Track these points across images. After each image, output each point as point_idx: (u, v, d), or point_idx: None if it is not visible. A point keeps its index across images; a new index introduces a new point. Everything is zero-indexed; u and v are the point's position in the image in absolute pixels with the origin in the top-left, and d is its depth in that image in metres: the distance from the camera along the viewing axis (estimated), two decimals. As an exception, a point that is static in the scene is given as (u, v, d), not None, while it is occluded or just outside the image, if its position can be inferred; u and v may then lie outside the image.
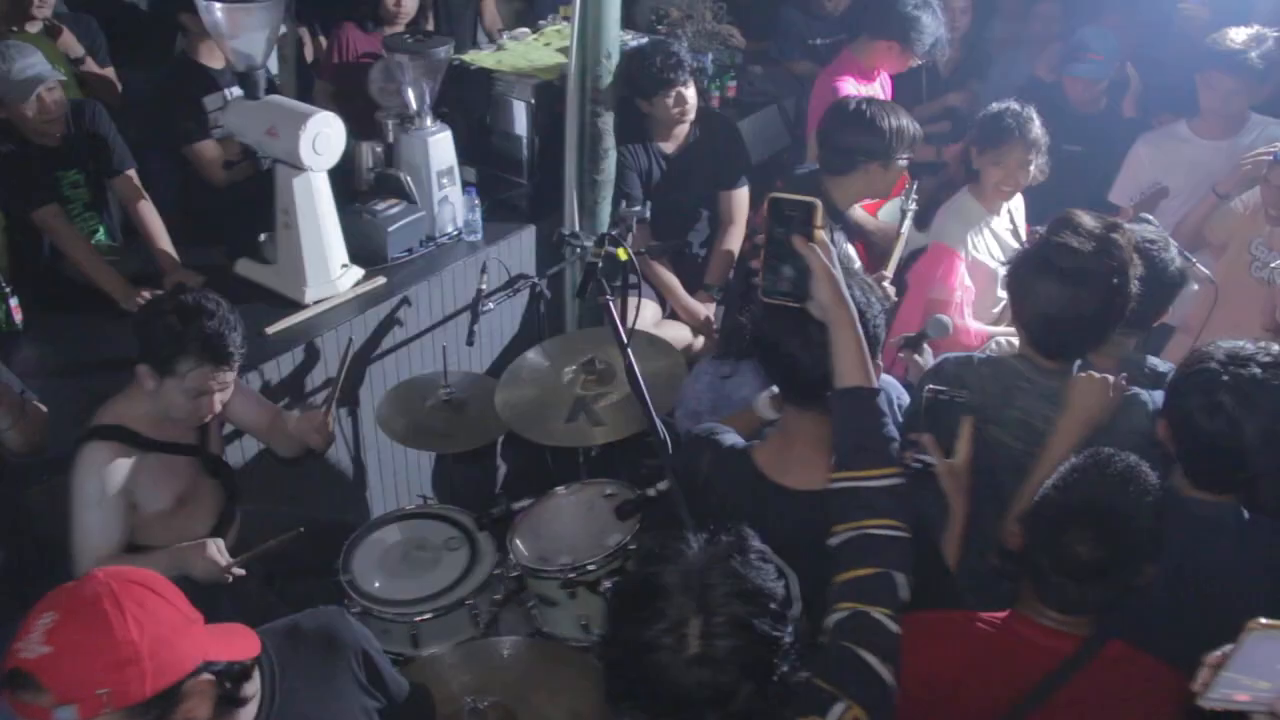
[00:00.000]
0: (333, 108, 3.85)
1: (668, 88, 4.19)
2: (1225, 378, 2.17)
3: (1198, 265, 3.38)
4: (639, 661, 1.51)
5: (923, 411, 2.50)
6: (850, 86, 4.37)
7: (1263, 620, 1.43)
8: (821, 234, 1.91)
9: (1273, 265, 3.47)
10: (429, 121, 4.11)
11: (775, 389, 2.47)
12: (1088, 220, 2.49)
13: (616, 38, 4.02)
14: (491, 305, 3.67)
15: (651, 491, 2.46)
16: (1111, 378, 2.48)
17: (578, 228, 4.24)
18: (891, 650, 1.72)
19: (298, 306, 3.71)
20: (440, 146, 4.11)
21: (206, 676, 1.67)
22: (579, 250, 4.05)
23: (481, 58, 4.67)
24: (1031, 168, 3.61)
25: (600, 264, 2.92)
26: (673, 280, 4.29)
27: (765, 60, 6.07)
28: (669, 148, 4.34)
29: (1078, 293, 2.43)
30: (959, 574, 2.44)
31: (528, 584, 3.10)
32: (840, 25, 5.84)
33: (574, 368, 3.34)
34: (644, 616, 1.51)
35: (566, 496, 3.18)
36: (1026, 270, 2.53)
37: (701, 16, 5.91)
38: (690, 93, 4.24)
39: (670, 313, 4.38)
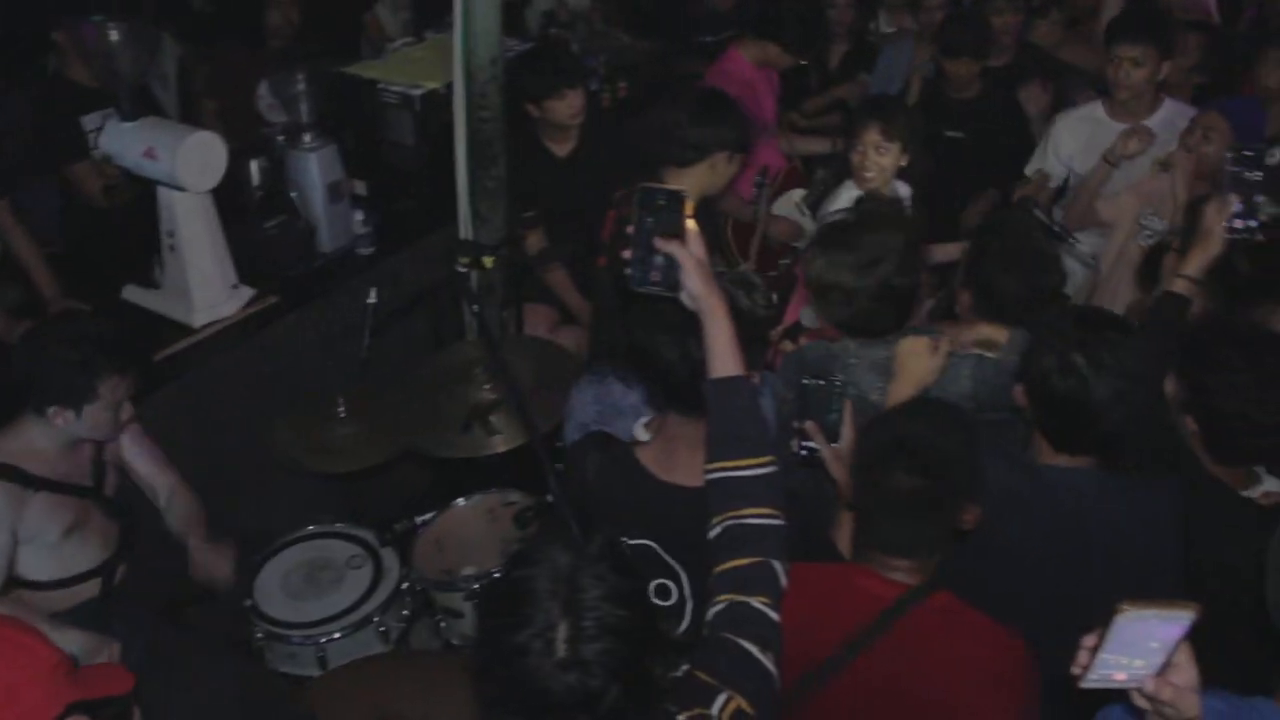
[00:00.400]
0: (218, 126, 3.79)
1: (556, 91, 4.19)
2: (1077, 338, 2.26)
3: (1078, 246, 3.48)
4: (508, 667, 1.50)
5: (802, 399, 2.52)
6: (734, 85, 4.42)
7: (1129, 603, 1.45)
8: (691, 223, 1.91)
9: (1156, 227, 3.58)
10: (315, 136, 4.05)
11: (646, 419, 2.48)
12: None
13: (499, 43, 3.99)
14: (383, 319, 3.62)
15: (549, 497, 2.47)
16: (936, 339, 2.60)
17: (472, 236, 4.20)
18: (773, 639, 1.73)
19: (187, 331, 3.64)
20: (327, 161, 4.05)
21: (76, 718, 1.63)
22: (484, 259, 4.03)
23: (367, 69, 4.61)
24: (887, 155, 3.58)
25: (469, 273, 2.90)
26: (567, 284, 4.28)
27: (656, 60, 6.09)
28: (561, 151, 4.33)
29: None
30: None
31: (433, 598, 3.08)
32: (729, 23, 5.89)
33: (469, 378, 3.32)
34: (512, 621, 1.51)
35: (468, 507, 3.17)
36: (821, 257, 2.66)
37: (590, 18, 5.94)
38: (579, 95, 4.24)
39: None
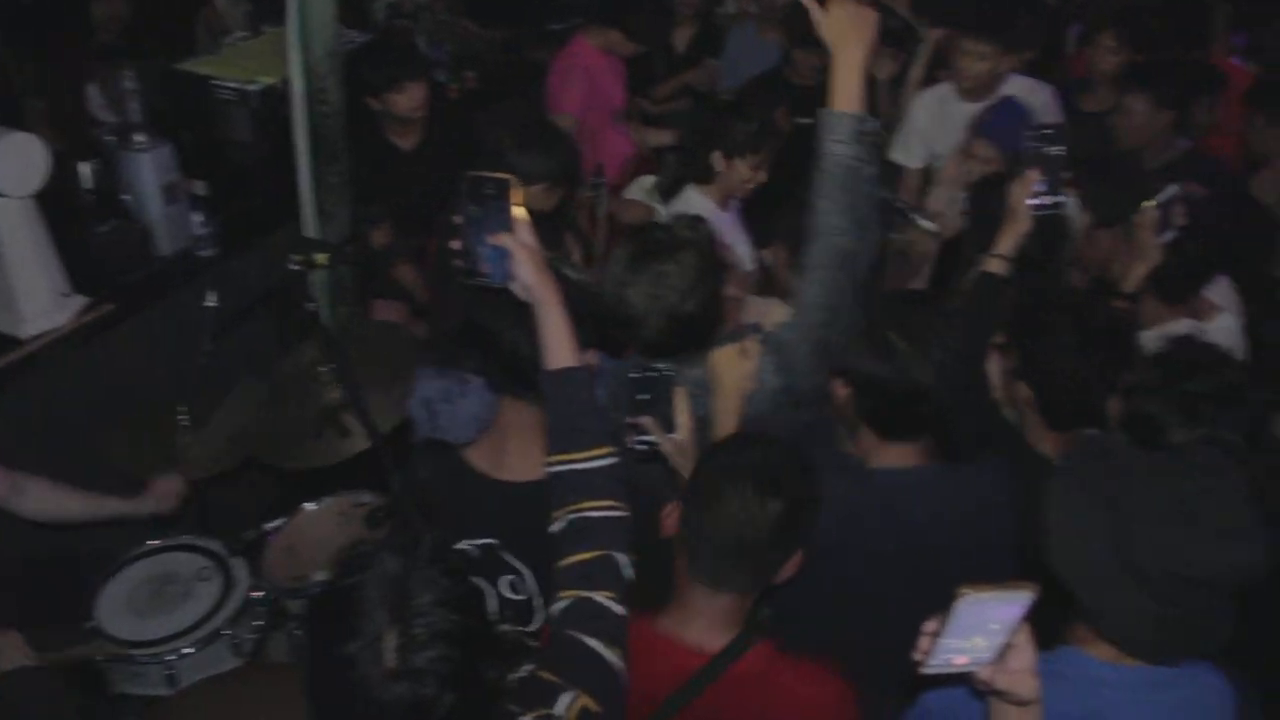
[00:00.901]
0: (46, 128, 3.63)
1: (397, 84, 4.13)
2: (893, 320, 2.30)
3: (922, 220, 3.57)
4: (339, 679, 1.48)
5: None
6: (580, 73, 4.44)
7: (968, 587, 1.48)
8: (520, 210, 1.89)
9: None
10: (148, 136, 3.91)
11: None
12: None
13: (336, 36, 3.91)
14: (225, 323, 3.52)
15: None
16: (746, 344, 2.57)
17: (318, 233, 4.12)
18: (618, 634, 1.74)
19: (14, 343, 3.48)
20: (161, 161, 3.91)
21: None
22: (351, 258, 3.97)
23: (200, 65, 4.48)
24: None
25: (303, 270, 2.85)
26: (415, 278, 4.23)
27: (505, 49, 6.05)
28: (405, 144, 4.27)
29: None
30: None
31: (287, 606, 3.02)
32: (576, 10, 5.88)
33: (317, 378, 3.24)
34: (341, 632, 1.48)
35: (318, 511, 3.11)
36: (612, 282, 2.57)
37: (435, 8, 5.86)
38: (421, 88, 4.18)
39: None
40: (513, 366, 2.14)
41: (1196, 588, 1.68)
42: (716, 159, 3.61)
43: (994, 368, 2.63)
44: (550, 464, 1.87)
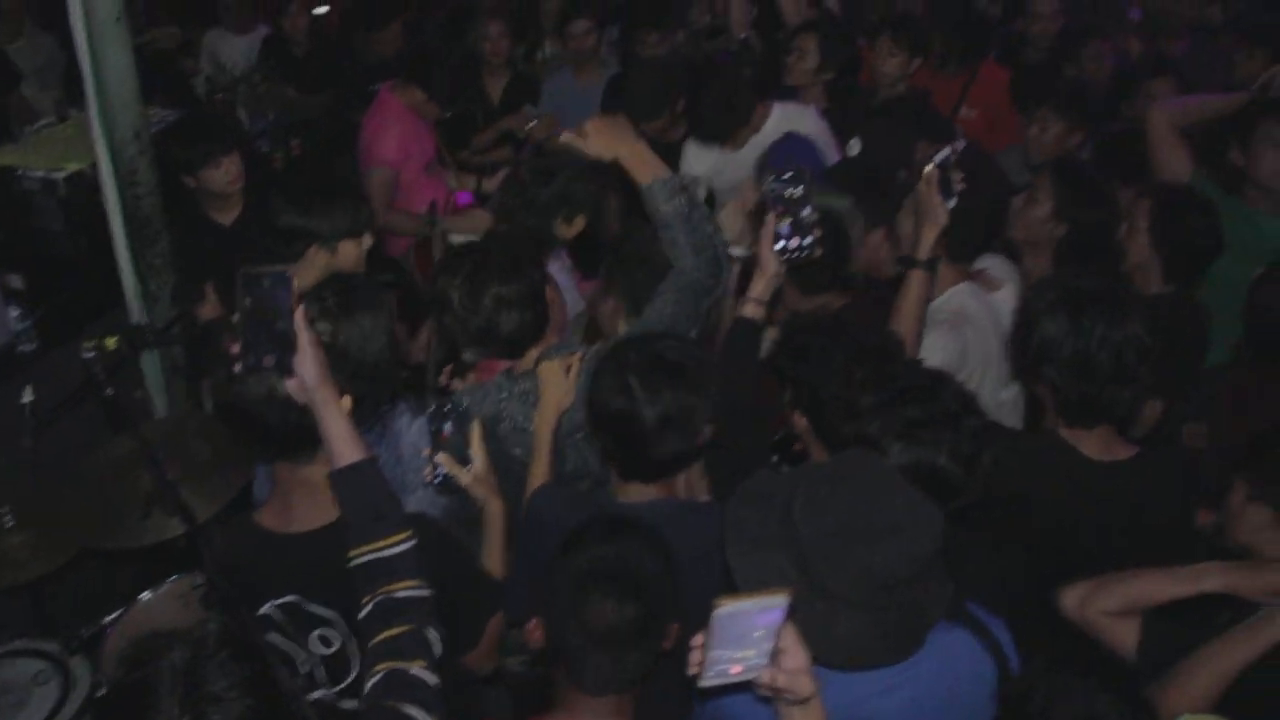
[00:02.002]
0: None
1: (210, 159, 4.10)
2: (634, 362, 2.33)
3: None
4: None
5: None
6: (393, 124, 4.47)
7: (723, 598, 1.52)
8: (299, 314, 1.91)
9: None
10: (-51, 233, 3.82)
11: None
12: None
13: (141, 116, 3.87)
14: (47, 416, 3.44)
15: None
16: (569, 359, 2.71)
17: (144, 317, 4.05)
18: (435, 703, 1.76)
19: None
20: (-33, 258, 3.82)
21: None
22: (149, 339, 3.90)
23: (2, 155, 4.36)
24: None
25: (96, 356, 2.81)
26: None
27: (329, 113, 6.03)
28: (224, 219, 4.23)
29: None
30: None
31: (131, 698, 2.94)
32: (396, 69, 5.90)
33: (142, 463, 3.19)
34: None
35: (157, 597, 3.06)
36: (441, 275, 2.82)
37: (252, 79, 5.83)
38: (235, 161, 4.15)
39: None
40: (276, 437, 2.17)
41: (892, 587, 1.76)
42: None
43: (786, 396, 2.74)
44: (355, 556, 1.91)
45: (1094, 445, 2.63)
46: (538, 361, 2.80)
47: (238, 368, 1.93)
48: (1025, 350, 2.65)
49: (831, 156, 4.42)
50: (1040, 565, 2.57)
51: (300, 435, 2.08)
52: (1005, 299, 3.41)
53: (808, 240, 2.63)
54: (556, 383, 2.67)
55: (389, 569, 1.88)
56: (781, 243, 2.64)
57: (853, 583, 1.76)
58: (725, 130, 4.42)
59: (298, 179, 3.59)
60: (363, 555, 1.90)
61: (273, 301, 1.87)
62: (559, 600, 1.97)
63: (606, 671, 1.95)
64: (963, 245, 3.24)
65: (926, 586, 1.84)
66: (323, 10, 6.43)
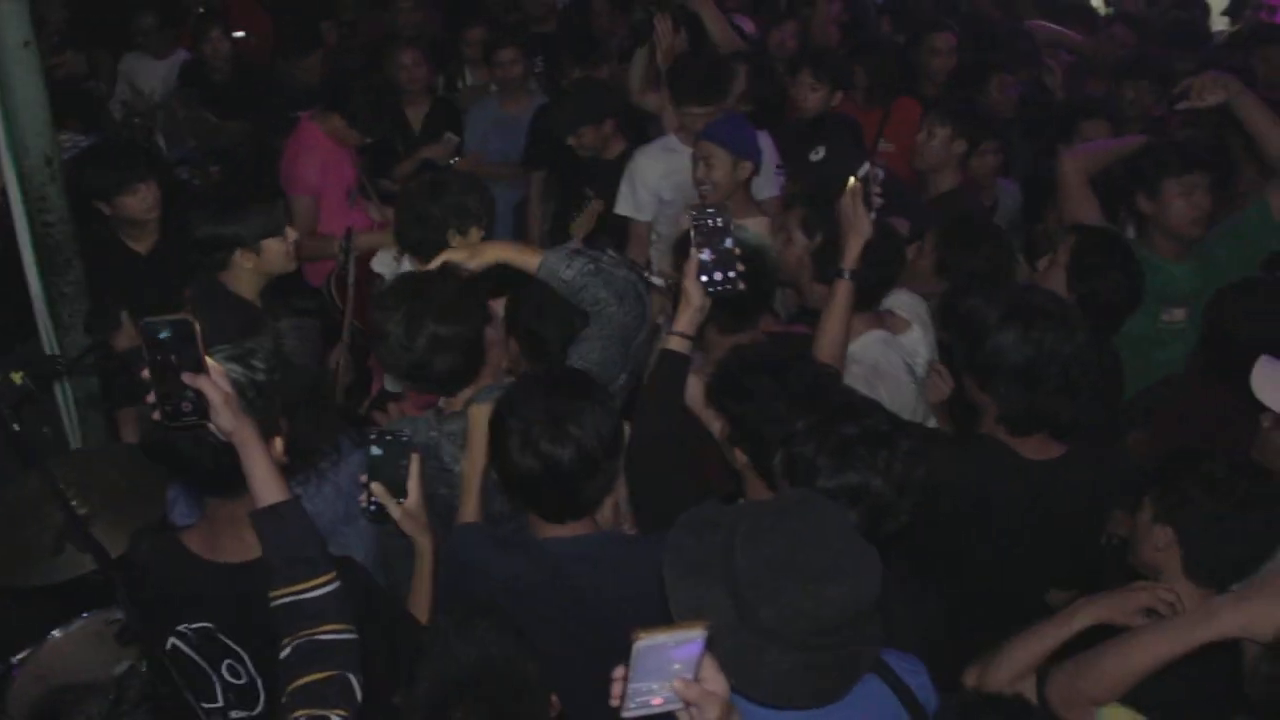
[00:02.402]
0: None
1: (127, 186, 4.03)
2: (545, 408, 2.31)
3: (651, 276, 3.68)
4: None
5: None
6: (311, 153, 4.45)
7: (640, 631, 1.51)
8: (210, 359, 1.91)
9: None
10: None
11: None
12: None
13: (52, 141, 3.79)
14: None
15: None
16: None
17: (55, 345, 3.96)
18: None
19: None
20: None
21: None
22: (61, 370, 3.81)
23: (-96, 184, 4.24)
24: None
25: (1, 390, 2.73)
26: None
27: (249, 139, 5.95)
28: (141, 247, 4.16)
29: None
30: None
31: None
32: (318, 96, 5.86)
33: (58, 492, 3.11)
34: None
35: (69, 635, 2.96)
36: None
37: (173, 105, 5.75)
38: (152, 188, 4.09)
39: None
40: (200, 475, 2.17)
41: (825, 630, 1.75)
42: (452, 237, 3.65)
43: (718, 428, 2.72)
44: (277, 597, 1.88)
45: (1030, 447, 2.76)
46: (468, 403, 2.76)
47: (155, 416, 1.91)
48: (972, 359, 2.74)
49: (769, 180, 4.52)
50: (954, 581, 2.65)
51: (232, 474, 2.04)
52: (915, 339, 3.43)
53: (731, 273, 2.65)
54: (480, 427, 2.60)
55: (312, 611, 1.86)
56: (705, 275, 2.65)
57: (785, 621, 1.75)
58: (707, 93, 4.44)
59: (209, 190, 3.59)
60: (284, 597, 1.88)
61: (180, 348, 1.85)
62: (420, 711, 1.93)
63: None
64: (869, 289, 3.24)
65: (860, 633, 1.82)
66: (239, 35, 6.35)
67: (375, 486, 2.48)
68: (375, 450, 2.50)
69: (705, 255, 2.63)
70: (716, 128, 4.15)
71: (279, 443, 2.19)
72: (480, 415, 2.63)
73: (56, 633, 2.96)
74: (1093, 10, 7.79)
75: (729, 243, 2.63)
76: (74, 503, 2.88)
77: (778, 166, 4.70)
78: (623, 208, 4.66)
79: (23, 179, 3.79)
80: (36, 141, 3.74)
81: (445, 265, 2.85)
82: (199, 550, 2.24)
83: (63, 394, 4.06)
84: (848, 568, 1.76)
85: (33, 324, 4.00)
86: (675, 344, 2.74)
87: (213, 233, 3.37)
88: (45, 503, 3.00)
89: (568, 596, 2.32)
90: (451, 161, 5.39)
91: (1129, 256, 3.46)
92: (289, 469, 2.38)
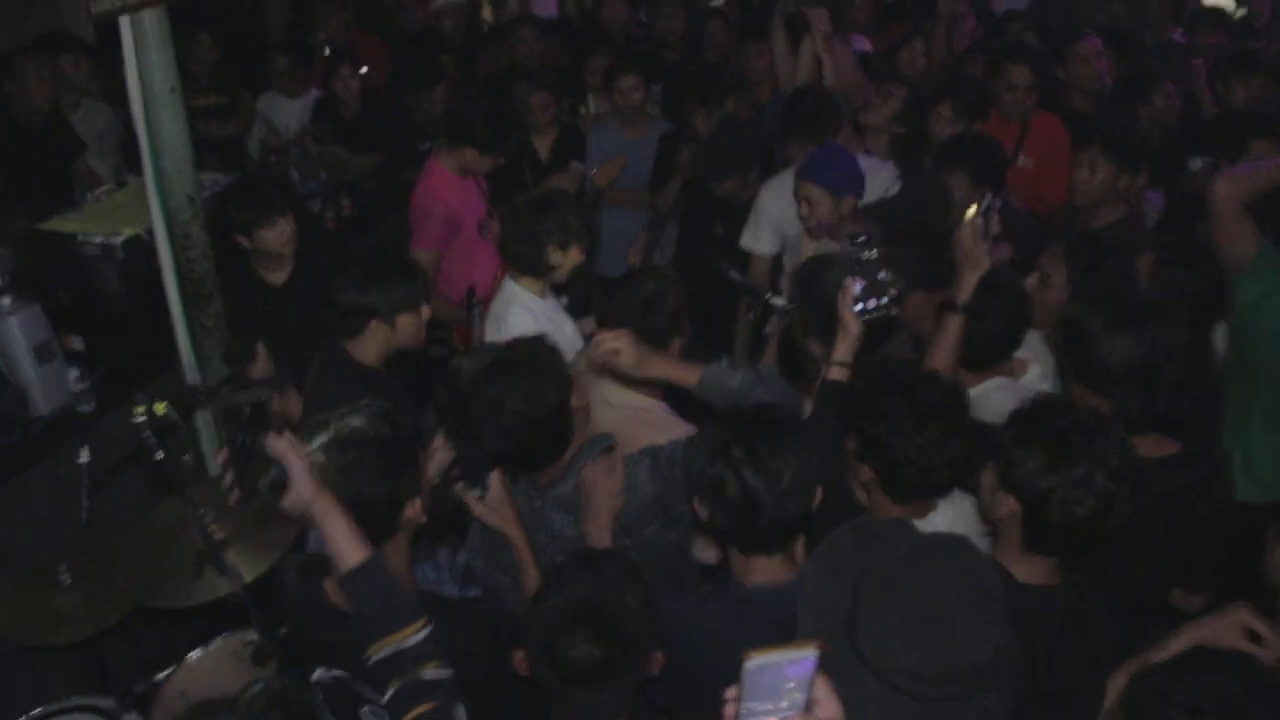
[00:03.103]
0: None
1: (266, 220, 4.19)
2: (742, 447, 2.29)
3: (771, 299, 3.67)
4: None
5: None
6: (437, 207, 4.56)
7: (754, 650, 1.51)
8: (283, 439, 2.04)
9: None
10: (14, 298, 3.93)
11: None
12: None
13: (194, 181, 3.98)
14: (104, 476, 3.51)
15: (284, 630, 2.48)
16: (611, 459, 2.67)
17: (198, 377, 4.14)
18: None
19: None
20: (30, 322, 3.94)
21: None
22: (201, 400, 3.99)
23: (65, 223, 4.50)
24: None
25: (146, 421, 2.87)
26: (299, 408, 4.25)
27: (380, 173, 6.14)
28: (276, 279, 4.32)
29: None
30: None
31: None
32: (441, 129, 6.01)
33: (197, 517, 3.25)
34: None
35: (209, 654, 3.10)
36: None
37: (304, 141, 5.97)
38: (289, 222, 4.25)
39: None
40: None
41: (927, 681, 1.70)
42: (552, 254, 3.80)
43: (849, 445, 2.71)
44: (373, 653, 1.96)
45: (1146, 446, 2.70)
46: (575, 464, 2.74)
47: (233, 500, 2.08)
48: (1085, 365, 2.78)
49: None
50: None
51: (364, 531, 2.13)
52: (1034, 377, 3.35)
53: (884, 300, 2.77)
54: (605, 488, 2.63)
55: (412, 657, 1.94)
56: (860, 304, 2.76)
57: (893, 667, 1.71)
58: (816, 130, 4.45)
59: (356, 257, 3.69)
60: (382, 650, 1.95)
61: (258, 425, 2.02)
62: (534, 639, 2.05)
63: (586, 704, 2.03)
64: (989, 352, 3.21)
65: (975, 692, 1.74)
66: (364, 70, 6.57)
67: (459, 488, 2.60)
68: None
69: (859, 286, 2.76)
70: (813, 167, 4.09)
71: (418, 503, 2.31)
72: (591, 480, 2.64)
73: (196, 652, 3.10)
74: (1226, 14, 7.46)
75: (883, 274, 2.76)
76: (212, 528, 3.04)
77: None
78: (745, 240, 4.65)
79: (168, 217, 3.99)
80: (180, 182, 3.94)
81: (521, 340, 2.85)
82: (336, 600, 2.30)
83: (203, 423, 4.25)
84: (955, 626, 1.69)
85: (172, 354, 4.21)
86: (836, 373, 2.84)
87: (355, 301, 3.44)
88: (185, 528, 3.15)
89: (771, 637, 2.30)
90: (592, 172, 5.47)
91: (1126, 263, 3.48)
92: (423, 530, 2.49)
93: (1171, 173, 4.99)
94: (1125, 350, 2.69)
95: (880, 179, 4.44)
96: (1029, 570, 2.35)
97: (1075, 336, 2.82)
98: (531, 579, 2.58)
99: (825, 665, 1.58)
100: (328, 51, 7.06)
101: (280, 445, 2.01)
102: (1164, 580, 2.91)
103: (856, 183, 4.09)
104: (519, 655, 2.13)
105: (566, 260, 3.81)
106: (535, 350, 2.67)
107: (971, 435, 2.59)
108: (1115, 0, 7.45)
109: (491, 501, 2.58)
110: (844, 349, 2.84)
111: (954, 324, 2.99)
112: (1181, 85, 5.61)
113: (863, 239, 2.77)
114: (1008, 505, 2.32)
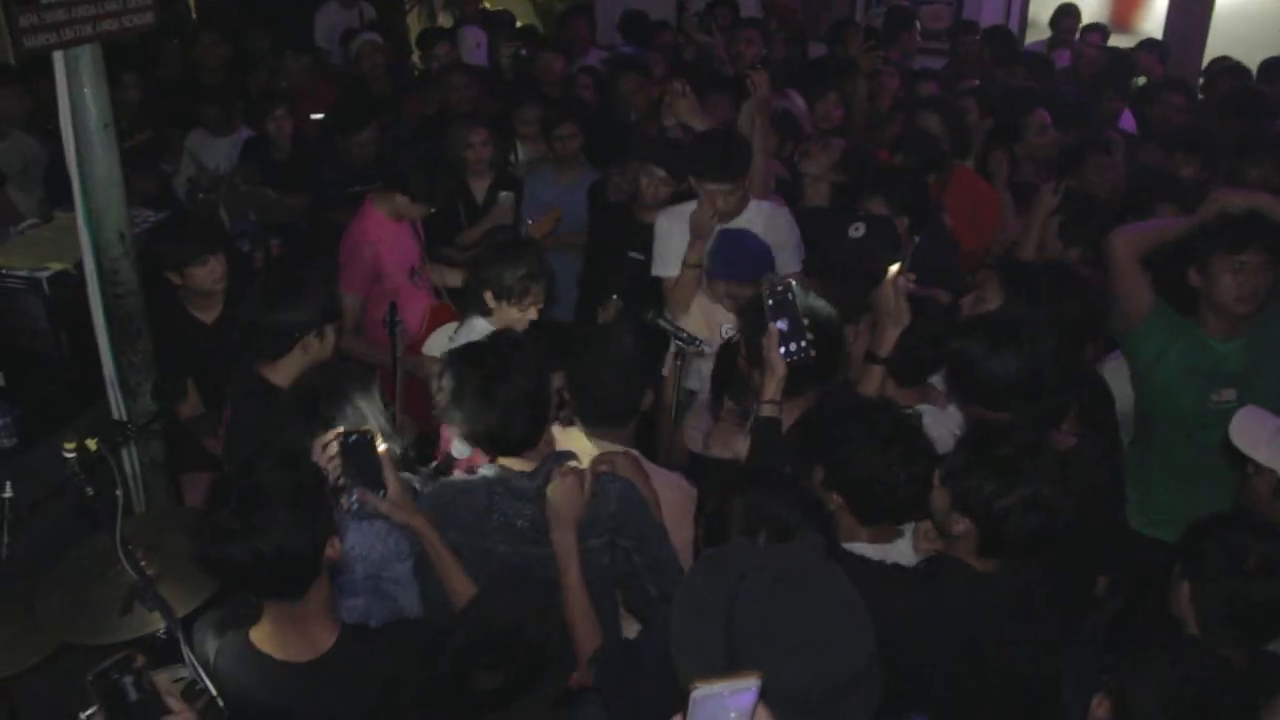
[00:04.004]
0: None
1: (197, 258, 4.19)
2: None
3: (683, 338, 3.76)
4: None
5: None
6: (365, 248, 4.61)
7: (701, 680, 1.56)
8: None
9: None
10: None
11: None
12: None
13: (126, 218, 3.97)
14: (22, 513, 3.46)
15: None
16: (582, 473, 2.76)
17: (123, 413, 4.10)
18: None
19: None
20: (-52, 358, 3.87)
21: None
22: (129, 436, 3.95)
23: (-19, 258, 4.44)
24: None
25: (76, 457, 2.86)
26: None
27: (310, 214, 6.14)
28: (206, 317, 4.31)
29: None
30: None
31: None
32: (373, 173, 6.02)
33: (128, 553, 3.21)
34: None
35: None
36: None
37: (234, 181, 5.96)
38: (220, 261, 4.25)
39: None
40: (262, 588, 2.32)
41: (816, 700, 1.71)
42: (488, 298, 3.89)
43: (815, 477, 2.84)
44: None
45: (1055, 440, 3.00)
46: (546, 465, 2.84)
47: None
48: (974, 388, 3.05)
49: (791, 256, 4.55)
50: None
51: (290, 583, 2.26)
52: (954, 412, 3.46)
53: (804, 342, 2.91)
54: (573, 500, 2.70)
55: None
56: (784, 346, 2.91)
57: (783, 695, 1.68)
58: (725, 172, 4.41)
59: (268, 282, 3.73)
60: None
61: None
62: (446, 664, 2.14)
63: None
64: (914, 370, 3.40)
65: (850, 693, 1.76)
66: (317, 117, 6.59)
67: (360, 492, 2.69)
68: (345, 452, 2.69)
69: (782, 325, 2.91)
70: (722, 266, 4.21)
71: (336, 543, 2.40)
72: (562, 493, 2.70)
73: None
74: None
75: (799, 313, 2.92)
76: (143, 563, 3.01)
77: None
78: (655, 268, 4.71)
79: (98, 253, 3.97)
80: (111, 218, 3.92)
81: (503, 330, 3.02)
82: (270, 650, 2.36)
83: (129, 458, 4.20)
84: (836, 644, 1.73)
85: (98, 390, 4.17)
86: (767, 410, 3.00)
87: (280, 319, 3.49)
88: (113, 563, 3.11)
89: None
90: (528, 223, 5.53)
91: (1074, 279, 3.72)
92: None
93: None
94: (1006, 366, 2.93)
95: (777, 220, 4.55)
96: (983, 564, 2.59)
97: (963, 364, 3.04)
98: (446, 562, 2.68)
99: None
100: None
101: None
102: (1089, 568, 3.20)
103: (765, 258, 4.19)
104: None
105: (504, 312, 3.88)
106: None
107: (931, 452, 2.78)
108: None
109: (394, 498, 2.69)
110: (772, 388, 2.99)
111: (875, 375, 3.24)
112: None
113: (781, 286, 2.93)
114: (963, 524, 2.55)
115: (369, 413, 3.05)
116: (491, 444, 2.87)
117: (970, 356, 3.00)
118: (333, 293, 3.66)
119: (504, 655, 2.08)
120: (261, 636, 2.37)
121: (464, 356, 2.88)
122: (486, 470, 2.89)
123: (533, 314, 3.88)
